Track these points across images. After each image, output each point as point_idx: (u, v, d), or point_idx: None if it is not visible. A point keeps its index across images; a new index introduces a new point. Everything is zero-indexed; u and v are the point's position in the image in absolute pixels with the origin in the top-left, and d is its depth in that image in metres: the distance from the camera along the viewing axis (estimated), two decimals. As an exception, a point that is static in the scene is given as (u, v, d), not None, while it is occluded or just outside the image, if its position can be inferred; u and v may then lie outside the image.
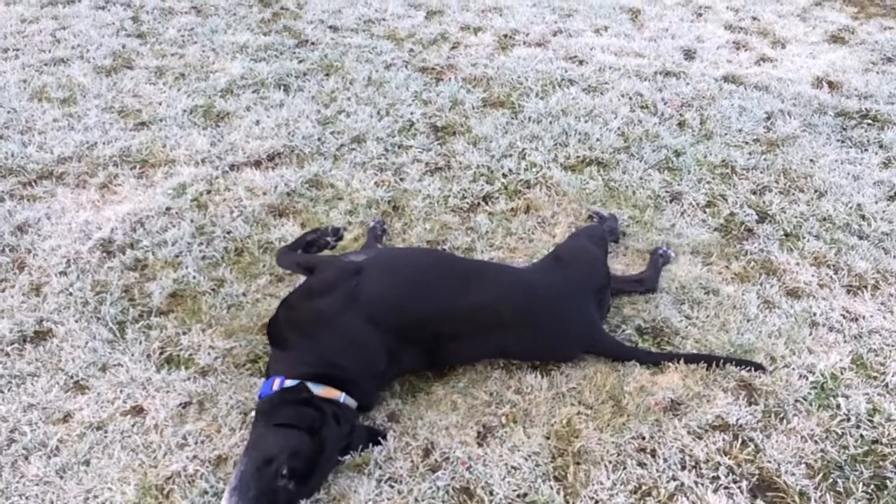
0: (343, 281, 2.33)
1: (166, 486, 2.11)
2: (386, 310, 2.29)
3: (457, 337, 2.35)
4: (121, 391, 2.37)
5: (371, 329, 2.26)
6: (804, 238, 3.03)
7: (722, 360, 2.44)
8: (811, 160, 3.50)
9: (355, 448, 2.18)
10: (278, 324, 2.34)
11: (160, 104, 3.86)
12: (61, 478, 2.13)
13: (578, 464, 2.17)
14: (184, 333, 2.58)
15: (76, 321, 2.61)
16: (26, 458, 2.19)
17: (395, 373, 2.37)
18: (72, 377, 2.42)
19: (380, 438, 2.22)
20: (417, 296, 2.36)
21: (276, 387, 2.18)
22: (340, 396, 2.19)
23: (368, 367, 2.26)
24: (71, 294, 2.72)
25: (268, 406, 2.13)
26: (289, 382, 2.17)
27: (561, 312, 2.42)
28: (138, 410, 2.33)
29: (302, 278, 2.57)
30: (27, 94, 3.94)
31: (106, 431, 2.25)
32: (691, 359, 2.45)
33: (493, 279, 2.46)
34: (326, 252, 2.76)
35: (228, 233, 3.03)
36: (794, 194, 3.29)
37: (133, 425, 2.27)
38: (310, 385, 2.17)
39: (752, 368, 2.43)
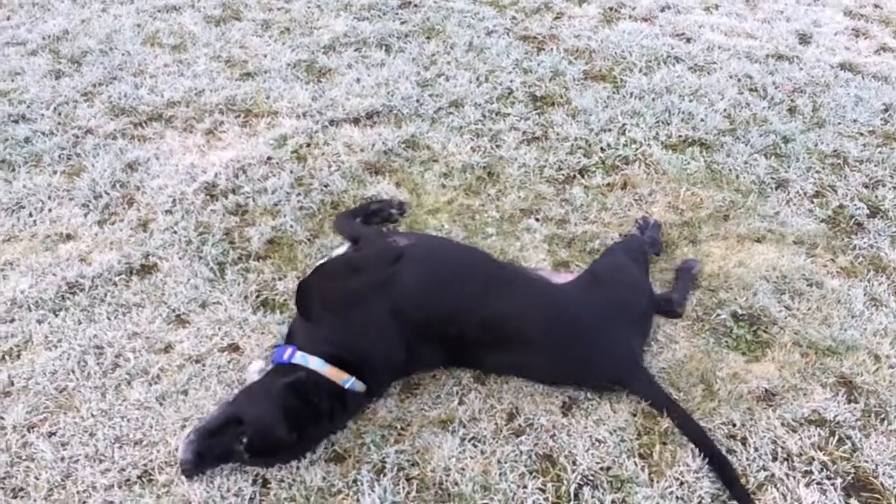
0: (381, 265, 2.27)
1: (258, 422, 2.18)
2: (411, 303, 2.20)
3: (479, 344, 2.24)
4: (219, 328, 2.46)
5: (394, 320, 2.18)
6: (918, 237, 2.89)
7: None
8: (931, 157, 3.32)
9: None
10: (308, 291, 2.29)
11: (265, 56, 3.93)
12: (161, 404, 2.23)
13: (665, 443, 2.14)
14: (279, 279, 2.64)
15: (179, 258, 2.71)
16: (129, 384, 2.30)
17: (415, 367, 2.29)
18: (174, 311, 2.52)
19: None
20: (443, 294, 2.25)
21: (286, 357, 2.13)
22: (347, 381, 2.11)
23: (386, 357, 2.19)
24: (175, 232, 2.82)
25: (272, 377, 2.10)
26: (298, 356, 2.12)
27: (593, 339, 2.22)
28: (234, 348, 2.41)
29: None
30: (140, 39, 4.07)
31: (204, 365, 2.34)
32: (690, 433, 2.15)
33: (521, 291, 2.30)
34: (389, 226, 2.76)
35: (326, 186, 3.08)
36: (909, 191, 3.13)
37: (229, 361, 2.35)
38: (317, 363, 2.10)
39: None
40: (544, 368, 2.29)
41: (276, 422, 1.98)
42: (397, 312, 2.19)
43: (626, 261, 2.50)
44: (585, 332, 2.24)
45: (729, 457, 2.10)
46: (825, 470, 2.08)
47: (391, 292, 2.21)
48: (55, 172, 3.13)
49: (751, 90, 3.74)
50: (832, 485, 2.04)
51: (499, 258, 2.72)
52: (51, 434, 2.16)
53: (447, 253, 2.47)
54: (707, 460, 2.07)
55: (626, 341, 2.28)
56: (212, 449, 1.96)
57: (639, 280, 2.46)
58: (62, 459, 2.09)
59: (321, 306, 2.23)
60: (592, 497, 2.01)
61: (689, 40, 4.18)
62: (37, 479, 2.05)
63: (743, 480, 2.05)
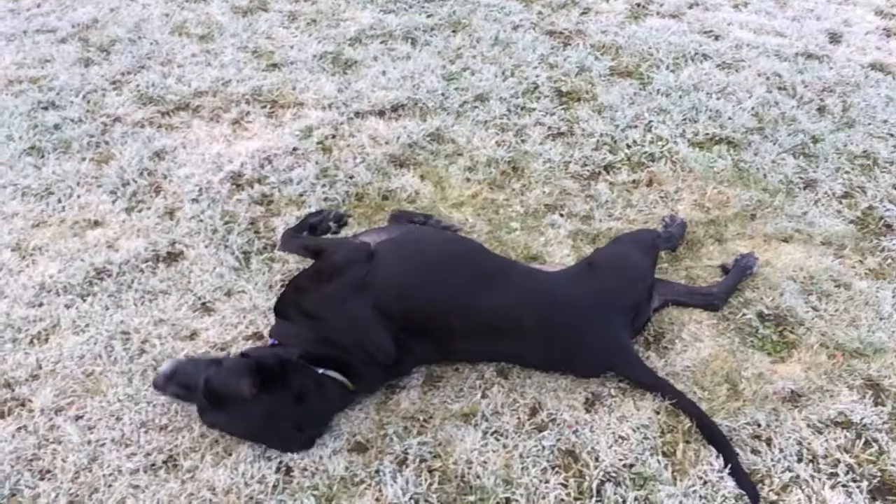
0: (353, 266, 2.25)
1: (282, 410, 2.19)
2: (393, 298, 2.19)
3: (470, 336, 2.24)
4: (244, 316, 2.48)
5: (379, 317, 2.17)
6: (949, 240, 2.85)
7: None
8: (963, 159, 3.27)
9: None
10: (285, 303, 2.29)
11: (292, 48, 3.95)
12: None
13: (688, 442, 2.13)
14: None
15: (205, 246, 2.73)
16: (155, 369, 2.31)
17: (411, 363, 2.29)
18: (199, 298, 2.54)
19: None
20: (429, 288, 2.24)
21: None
22: (321, 369, 2.13)
23: (372, 354, 2.17)
24: (202, 221, 2.84)
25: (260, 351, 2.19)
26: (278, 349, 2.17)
27: (583, 327, 2.23)
28: (259, 337, 2.42)
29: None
30: (168, 28, 4.10)
31: (228, 353, 2.35)
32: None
33: (515, 282, 2.29)
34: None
35: (350, 178, 3.09)
36: (940, 193, 3.08)
37: (254, 350, 2.37)
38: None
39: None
40: (535, 356, 2.30)
41: (242, 371, 2.01)
42: (381, 309, 2.18)
43: (631, 250, 2.48)
44: (573, 318, 2.24)
45: (753, 456, 2.09)
46: (851, 472, 2.06)
47: (370, 290, 2.20)
48: (84, 159, 3.16)
49: (780, 89, 3.70)
50: (858, 487, 2.02)
51: (522, 254, 2.72)
52: (78, 417, 2.19)
53: (428, 246, 2.43)
54: (712, 445, 2.11)
55: (614, 328, 2.27)
56: (187, 374, 2.08)
57: (638, 269, 2.42)
58: (89, 443, 2.12)
59: (302, 314, 2.22)
60: (615, 494, 2.00)
61: (717, 38, 4.14)
62: (64, 461, 2.07)
63: (767, 481, 2.04)
